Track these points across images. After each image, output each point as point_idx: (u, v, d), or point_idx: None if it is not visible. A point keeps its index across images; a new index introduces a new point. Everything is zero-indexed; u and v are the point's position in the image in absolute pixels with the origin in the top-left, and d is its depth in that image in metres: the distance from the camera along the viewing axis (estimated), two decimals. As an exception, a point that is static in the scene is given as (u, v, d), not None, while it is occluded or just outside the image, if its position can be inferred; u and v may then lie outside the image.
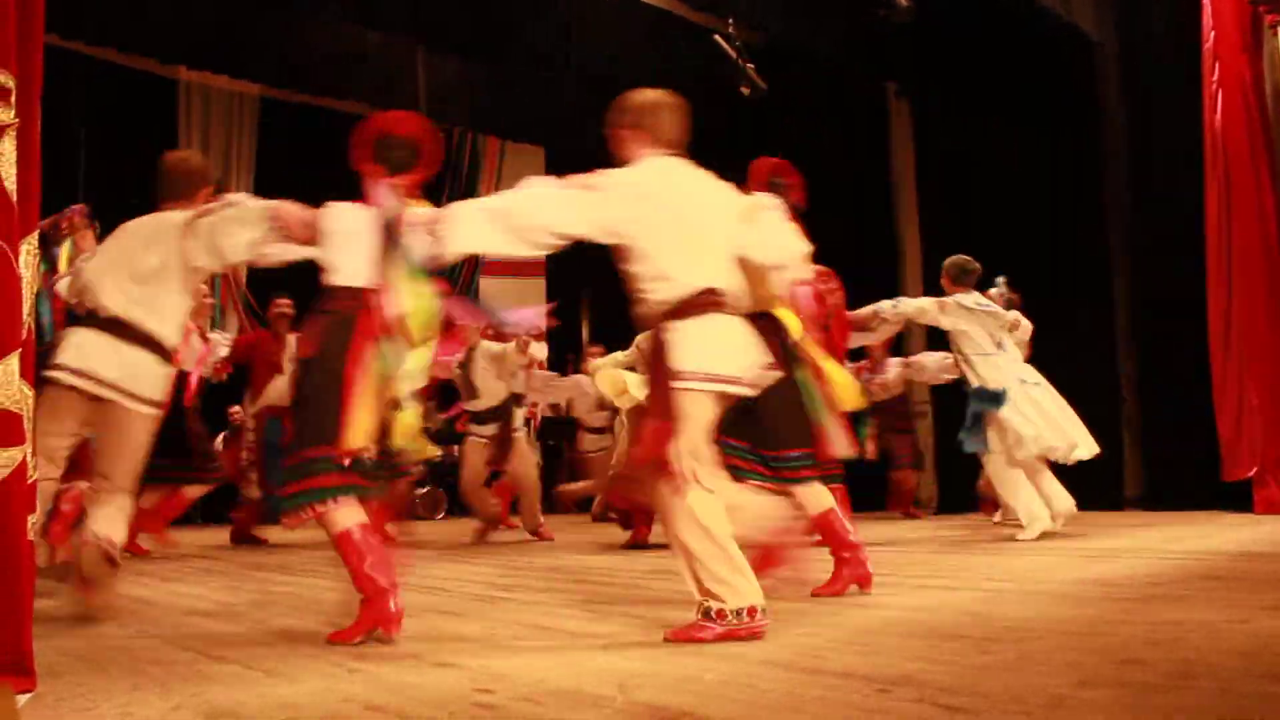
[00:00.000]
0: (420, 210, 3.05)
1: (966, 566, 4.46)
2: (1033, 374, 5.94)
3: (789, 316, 3.69)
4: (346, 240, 3.12)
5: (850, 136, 10.17)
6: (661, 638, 2.76)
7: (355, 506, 2.97)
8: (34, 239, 2.18)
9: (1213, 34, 7.14)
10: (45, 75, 2.23)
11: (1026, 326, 6.41)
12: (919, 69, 9.52)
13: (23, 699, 2.06)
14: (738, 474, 3.46)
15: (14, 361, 2.09)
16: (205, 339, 6.41)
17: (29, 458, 2.12)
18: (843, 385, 3.77)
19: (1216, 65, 7.12)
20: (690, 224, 2.93)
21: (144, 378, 3.52)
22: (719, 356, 2.87)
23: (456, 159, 12.32)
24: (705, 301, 2.87)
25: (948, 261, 6.06)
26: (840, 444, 3.71)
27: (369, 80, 9.85)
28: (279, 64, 9.70)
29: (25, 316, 2.14)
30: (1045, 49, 8.52)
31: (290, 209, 3.34)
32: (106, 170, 9.15)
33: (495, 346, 7.01)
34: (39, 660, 2.17)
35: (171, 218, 3.61)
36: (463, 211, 2.91)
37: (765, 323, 3.54)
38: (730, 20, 8.90)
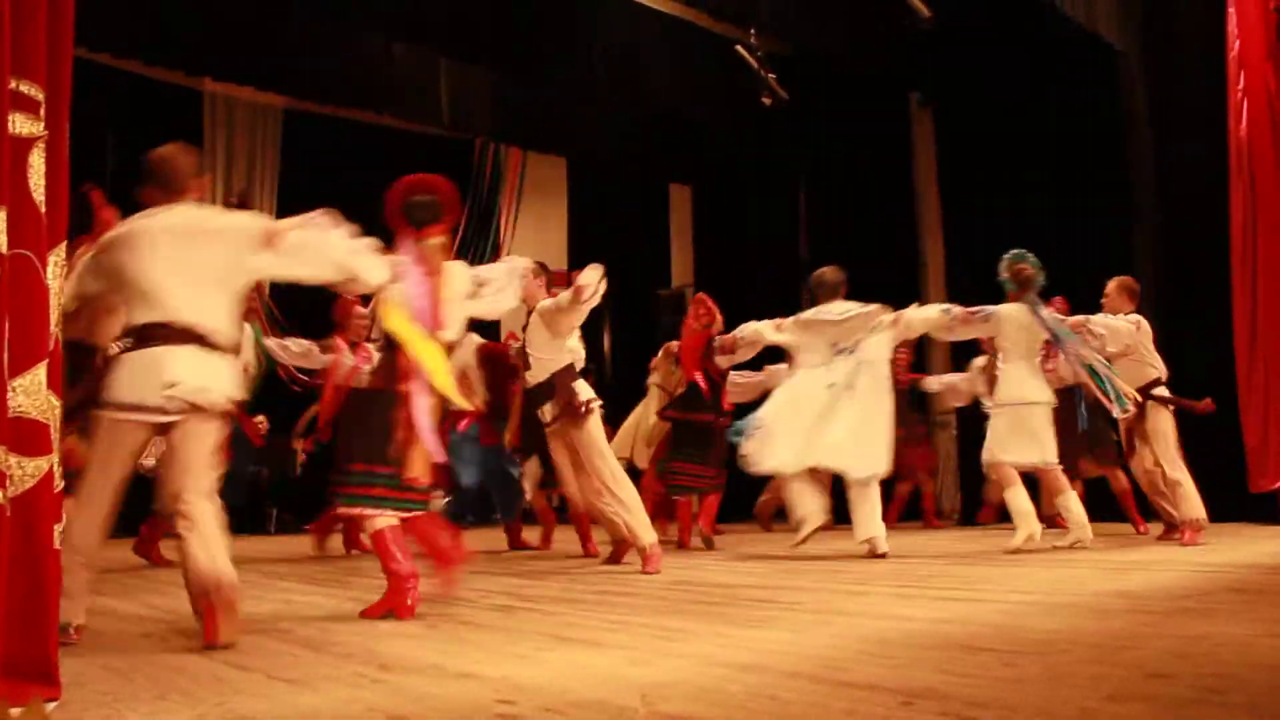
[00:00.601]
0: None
1: (990, 578, 4.43)
2: (850, 379, 5.51)
3: (402, 328, 3.57)
4: None
5: (872, 146, 10.14)
6: (696, 650, 2.76)
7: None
8: (62, 250, 2.21)
9: (1237, 42, 7.09)
10: (73, 87, 2.26)
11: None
12: (942, 78, 9.51)
13: (49, 708, 2.07)
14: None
15: (42, 372, 2.11)
16: (358, 351, 5.78)
17: (55, 468, 2.14)
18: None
19: (1241, 73, 7.08)
20: (165, 265, 3.15)
21: None
22: (138, 386, 3.08)
23: (479, 170, 12.37)
24: (149, 334, 3.12)
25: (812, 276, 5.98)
26: (420, 469, 3.61)
27: (392, 92, 9.90)
28: (303, 76, 9.75)
29: (53, 328, 2.16)
30: (1068, 57, 8.50)
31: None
32: (133, 181, 9.20)
33: None
34: (64, 669, 2.19)
35: None
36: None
37: (386, 344, 3.71)
38: (752, 31, 8.92)
